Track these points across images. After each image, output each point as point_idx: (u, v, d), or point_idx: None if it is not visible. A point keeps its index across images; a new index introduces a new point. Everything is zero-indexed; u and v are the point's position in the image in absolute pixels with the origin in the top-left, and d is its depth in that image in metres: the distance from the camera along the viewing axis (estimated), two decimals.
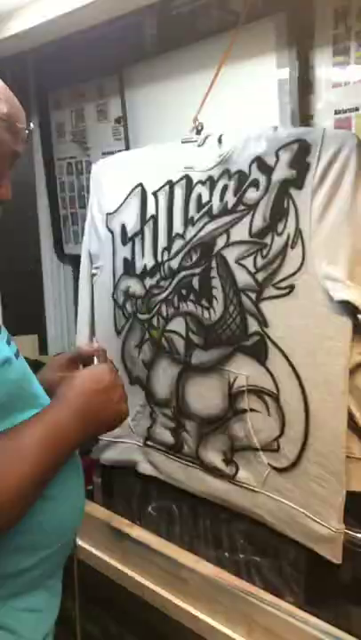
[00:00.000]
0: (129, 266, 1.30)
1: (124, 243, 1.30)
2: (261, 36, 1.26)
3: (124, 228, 1.30)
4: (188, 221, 1.18)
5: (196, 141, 1.17)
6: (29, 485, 0.71)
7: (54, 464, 0.75)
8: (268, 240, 1.06)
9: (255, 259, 1.08)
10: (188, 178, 1.18)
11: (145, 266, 1.26)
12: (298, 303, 1.03)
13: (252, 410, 1.12)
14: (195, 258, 1.17)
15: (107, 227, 1.33)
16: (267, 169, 1.06)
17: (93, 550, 1.37)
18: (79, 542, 1.40)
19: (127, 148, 1.67)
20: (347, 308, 0.98)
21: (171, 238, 1.21)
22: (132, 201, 1.28)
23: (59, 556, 0.86)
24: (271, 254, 1.06)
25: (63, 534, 0.86)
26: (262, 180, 1.06)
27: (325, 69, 1.22)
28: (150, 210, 1.25)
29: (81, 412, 0.79)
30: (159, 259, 1.24)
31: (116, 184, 1.31)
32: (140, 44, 1.59)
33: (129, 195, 1.28)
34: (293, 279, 1.03)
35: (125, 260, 1.30)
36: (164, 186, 1.22)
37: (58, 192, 2.03)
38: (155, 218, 1.24)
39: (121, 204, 1.30)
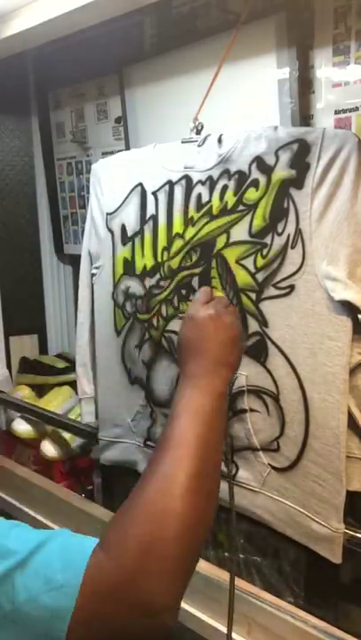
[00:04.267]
0: (129, 266, 1.30)
1: (123, 243, 1.30)
2: (261, 35, 1.26)
3: (123, 227, 1.30)
4: (187, 221, 1.18)
5: (196, 141, 1.17)
6: (201, 480, 0.66)
7: (220, 437, 0.74)
8: (268, 240, 1.06)
9: (255, 259, 1.08)
10: (187, 178, 1.18)
11: (145, 266, 1.26)
12: (298, 303, 1.03)
13: (251, 410, 1.12)
14: (195, 258, 1.17)
15: (107, 227, 1.33)
16: (267, 169, 1.06)
17: None
18: None
19: (127, 148, 1.67)
20: (347, 307, 0.98)
21: (171, 238, 1.21)
22: (132, 201, 1.28)
23: None
24: (271, 254, 1.06)
25: None
26: (262, 179, 1.06)
27: (325, 69, 1.22)
28: (150, 210, 1.25)
29: (205, 374, 0.79)
30: (159, 259, 1.24)
31: (116, 184, 1.31)
32: (140, 43, 1.60)
33: (129, 194, 1.28)
34: (293, 279, 1.03)
35: (125, 259, 1.30)
36: (163, 185, 1.22)
37: (58, 192, 2.03)
38: (155, 218, 1.24)
39: (121, 204, 1.30)
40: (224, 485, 1.19)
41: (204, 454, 0.69)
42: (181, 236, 1.19)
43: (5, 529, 0.65)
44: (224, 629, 1.11)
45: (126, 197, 1.29)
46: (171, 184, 1.21)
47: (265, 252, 1.07)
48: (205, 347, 0.84)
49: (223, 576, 1.15)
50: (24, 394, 1.91)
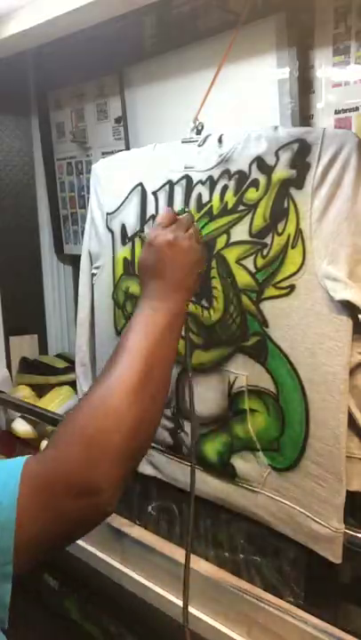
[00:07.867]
0: (129, 266, 1.30)
1: (124, 242, 1.30)
2: (261, 35, 1.26)
3: (124, 227, 1.30)
4: None
5: (196, 141, 1.17)
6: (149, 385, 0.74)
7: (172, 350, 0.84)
8: (268, 240, 1.06)
9: (255, 259, 1.08)
10: (188, 178, 1.18)
11: None
12: (298, 303, 1.03)
13: (251, 410, 1.12)
14: None
15: (107, 226, 1.33)
16: (267, 169, 1.06)
17: (93, 550, 1.38)
18: (81, 543, 1.40)
19: (127, 148, 1.67)
20: (347, 307, 0.98)
21: None
22: (132, 201, 1.28)
23: None
24: (271, 254, 1.06)
25: None
26: (262, 179, 1.06)
27: (325, 69, 1.22)
28: (150, 209, 1.25)
29: (160, 296, 0.86)
30: None
31: (116, 184, 1.31)
32: (140, 43, 1.60)
33: (129, 194, 1.28)
34: (294, 279, 1.03)
35: (125, 259, 1.30)
36: (164, 185, 1.22)
37: (58, 192, 2.03)
38: (155, 217, 1.24)
39: (121, 204, 1.30)
40: (225, 486, 1.19)
41: (151, 361, 0.77)
42: None
43: None
44: (224, 629, 1.12)
45: (126, 197, 1.29)
46: (171, 184, 1.21)
47: (265, 251, 1.07)
48: (162, 271, 0.90)
49: (223, 576, 1.15)
50: (24, 394, 1.91)
